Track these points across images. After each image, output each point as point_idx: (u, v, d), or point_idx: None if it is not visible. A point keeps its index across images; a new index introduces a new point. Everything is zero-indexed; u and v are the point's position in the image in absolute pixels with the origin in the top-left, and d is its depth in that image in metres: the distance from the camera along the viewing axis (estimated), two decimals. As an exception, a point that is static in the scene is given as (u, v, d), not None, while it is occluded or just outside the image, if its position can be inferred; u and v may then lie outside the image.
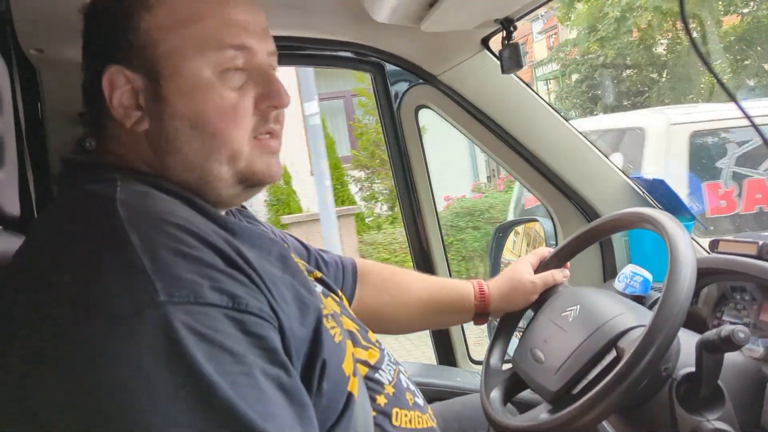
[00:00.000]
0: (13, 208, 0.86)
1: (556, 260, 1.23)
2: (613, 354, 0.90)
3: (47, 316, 0.57)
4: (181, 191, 0.71)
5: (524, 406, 0.98)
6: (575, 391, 0.92)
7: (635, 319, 0.94)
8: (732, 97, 0.72)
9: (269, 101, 0.75)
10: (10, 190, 0.86)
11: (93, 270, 0.58)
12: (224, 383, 0.54)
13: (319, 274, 0.97)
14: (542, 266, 1.23)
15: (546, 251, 1.25)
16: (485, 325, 1.81)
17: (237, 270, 0.62)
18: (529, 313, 1.21)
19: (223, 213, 0.78)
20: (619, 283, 1.36)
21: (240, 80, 0.74)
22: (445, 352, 1.73)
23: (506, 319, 1.23)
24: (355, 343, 0.86)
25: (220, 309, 0.57)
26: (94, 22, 0.74)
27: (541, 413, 0.93)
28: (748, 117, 0.77)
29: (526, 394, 1.10)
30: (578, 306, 1.02)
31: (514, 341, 1.20)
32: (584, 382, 0.91)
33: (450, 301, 1.22)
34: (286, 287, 0.68)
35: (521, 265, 1.22)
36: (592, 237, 1.19)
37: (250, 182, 0.76)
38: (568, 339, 0.98)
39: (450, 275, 1.74)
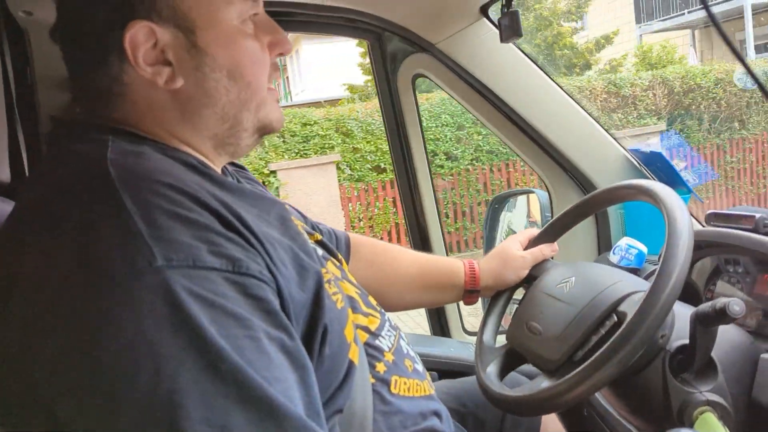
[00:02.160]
0: (3, 173, 0.85)
1: (547, 236, 1.22)
2: (613, 319, 0.90)
3: (43, 283, 0.56)
4: (178, 151, 0.70)
5: (521, 383, 0.99)
6: (577, 357, 0.92)
7: (634, 285, 0.95)
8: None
9: (279, 48, 0.76)
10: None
11: (87, 234, 0.56)
12: (230, 347, 0.53)
13: (319, 237, 0.96)
14: (532, 243, 1.23)
15: (535, 231, 1.25)
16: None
17: (235, 232, 0.61)
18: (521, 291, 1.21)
19: (219, 171, 0.77)
20: (614, 256, 1.37)
21: (251, 29, 0.73)
22: (439, 323, 1.74)
23: (498, 296, 1.22)
24: (356, 309, 0.85)
25: (220, 272, 0.57)
26: None
27: (542, 382, 0.94)
28: None
29: (522, 370, 1.10)
30: (573, 277, 1.02)
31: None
32: (586, 347, 0.91)
33: (440, 277, 1.21)
34: (285, 250, 0.66)
35: (510, 242, 1.22)
36: (584, 212, 1.18)
37: (266, 130, 0.77)
38: (566, 308, 0.98)
39: (444, 241, 1.75)
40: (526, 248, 1.21)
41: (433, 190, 1.73)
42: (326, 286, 0.71)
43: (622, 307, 0.91)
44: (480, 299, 1.29)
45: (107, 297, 0.53)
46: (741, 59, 0.60)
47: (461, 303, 1.26)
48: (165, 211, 0.57)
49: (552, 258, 1.21)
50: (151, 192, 0.59)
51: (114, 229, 0.56)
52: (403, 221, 1.78)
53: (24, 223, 0.63)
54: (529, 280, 1.18)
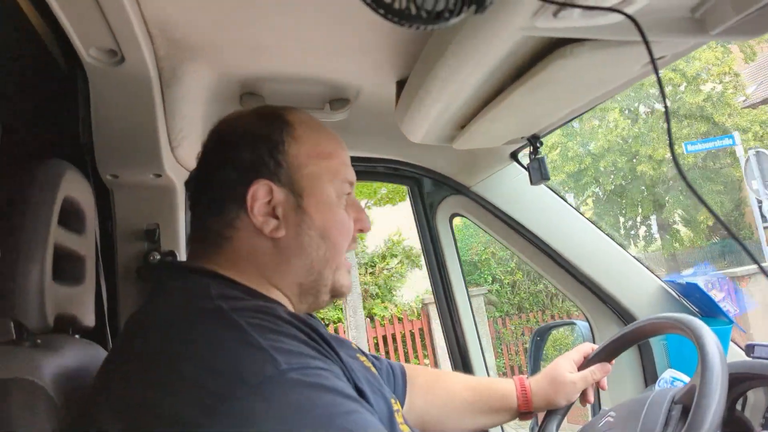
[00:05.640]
0: (90, 319, 0.96)
1: (598, 359, 1.23)
2: (679, 408, 0.93)
3: (178, 395, 0.64)
4: (265, 296, 0.82)
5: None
6: None
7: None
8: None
9: (361, 225, 0.93)
10: (87, 303, 0.96)
11: (216, 349, 0.67)
12: (350, 422, 0.65)
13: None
14: (585, 363, 1.24)
15: (589, 347, 1.26)
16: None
17: (323, 348, 0.74)
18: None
19: None
20: (659, 389, 1.36)
21: (344, 204, 0.90)
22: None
23: (550, 417, 1.22)
24: None
25: (328, 371, 0.69)
26: (241, 141, 0.86)
27: None
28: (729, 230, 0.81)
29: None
30: (612, 411, 1.04)
31: None
32: None
33: (494, 401, 1.23)
34: (361, 373, 0.78)
35: (563, 361, 1.23)
36: (634, 338, 1.20)
37: (337, 293, 0.90)
38: (624, 428, 0.98)
39: (487, 373, 1.76)
40: (580, 366, 1.23)
41: (474, 322, 1.78)
42: (396, 415, 0.80)
43: (678, 397, 0.94)
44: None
45: (244, 400, 0.62)
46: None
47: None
48: (273, 330, 0.70)
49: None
50: (258, 317, 0.72)
51: (241, 344, 0.67)
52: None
53: (148, 349, 0.72)
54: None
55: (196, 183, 0.89)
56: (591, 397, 1.22)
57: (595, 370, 1.21)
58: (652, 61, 0.59)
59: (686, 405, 0.91)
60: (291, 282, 0.86)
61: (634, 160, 14.02)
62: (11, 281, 0.76)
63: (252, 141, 0.85)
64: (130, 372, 0.70)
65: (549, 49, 0.85)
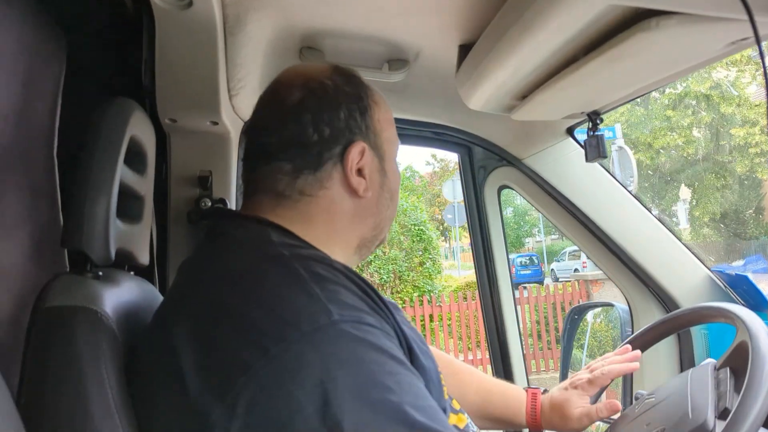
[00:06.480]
0: (145, 257, 0.99)
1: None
2: (725, 371, 0.93)
3: (244, 335, 0.67)
4: (318, 250, 0.82)
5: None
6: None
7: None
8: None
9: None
10: (144, 241, 0.99)
11: (278, 294, 0.70)
12: (393, 383, 0.66)
13: None
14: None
15: (605, 382, 1.18)
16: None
17: (377, 305, 0.75)
18: None
19: None
20: (696, 371, 1.35)
21: None
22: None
23: None
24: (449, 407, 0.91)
25: (378, 329, 0.70)
26: (337, 100, 0.86)
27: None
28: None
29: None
30: (651, 394, 1.03)
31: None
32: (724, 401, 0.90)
33: (501, 411, 1.23)
34: (411, 337, 0.78)
35: (575, 397, 1.18)
36: (665, 331, 1.19)
37: (382, 243, 0.96)
38: (672, 401, 0.97)
39: (524, 355, 1.76)
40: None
41: (513, 295, 1.77)
42: (442, 378, 0.82)
43: (720, 363, 0.94)
44: None
45: (295, 344, 0.65)
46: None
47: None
48: (330, 281, 0.72)
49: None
50: (317, 266, 0.74)
51: (299, 292, 0.70)
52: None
53: (216, 298, 0.74)
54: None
55: (278, 136, 0.85)
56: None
57: (602, 408, 1.15)
58: (756, 37, 0.56)
59: (733, 366, 0.90)
60: (355, 237, 0.89)
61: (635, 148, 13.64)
62: (80, 214, 0.78)
63: (347, 101, 0.87)
64: (203, 314, 0.72)
65: (631, 20, 0.82)
